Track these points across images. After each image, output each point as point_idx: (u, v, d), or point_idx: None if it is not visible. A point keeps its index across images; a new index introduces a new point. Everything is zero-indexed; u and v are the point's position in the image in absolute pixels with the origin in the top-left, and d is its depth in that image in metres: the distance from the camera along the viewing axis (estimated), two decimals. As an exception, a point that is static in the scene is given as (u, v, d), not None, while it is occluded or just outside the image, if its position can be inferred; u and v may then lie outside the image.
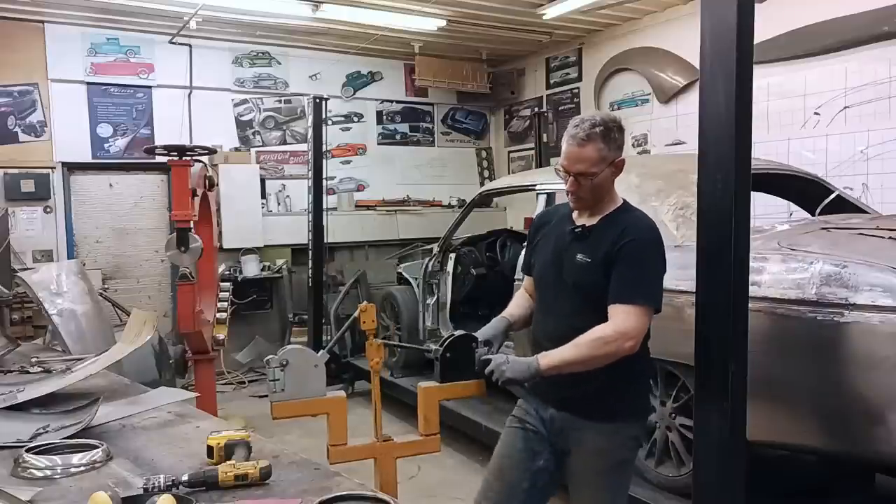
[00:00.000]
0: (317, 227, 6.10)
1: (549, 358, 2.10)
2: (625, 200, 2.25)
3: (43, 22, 6.46)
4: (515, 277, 4.12)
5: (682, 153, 6.08)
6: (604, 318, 2.08)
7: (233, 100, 7.49)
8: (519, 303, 2.50)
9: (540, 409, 2.29)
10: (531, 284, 2.45)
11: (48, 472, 1.65)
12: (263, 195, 7.48)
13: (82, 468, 1.67)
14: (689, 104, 6.27)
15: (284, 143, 7.77)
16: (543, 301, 2.34)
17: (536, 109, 8.08)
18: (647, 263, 2.09)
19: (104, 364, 2.48)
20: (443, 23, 6.71)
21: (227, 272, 6.58)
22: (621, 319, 2.04)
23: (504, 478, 2.35)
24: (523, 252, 4.01)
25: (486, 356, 2.21)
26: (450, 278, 5.32)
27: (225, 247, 6.81)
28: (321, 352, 2.73)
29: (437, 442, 2.80)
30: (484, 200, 5.54)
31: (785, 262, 2.62)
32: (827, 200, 3.67)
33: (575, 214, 2.27)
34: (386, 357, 4.10)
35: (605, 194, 2.19)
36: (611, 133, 2.11)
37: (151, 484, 1.46)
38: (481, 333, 2.36)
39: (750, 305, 2.09)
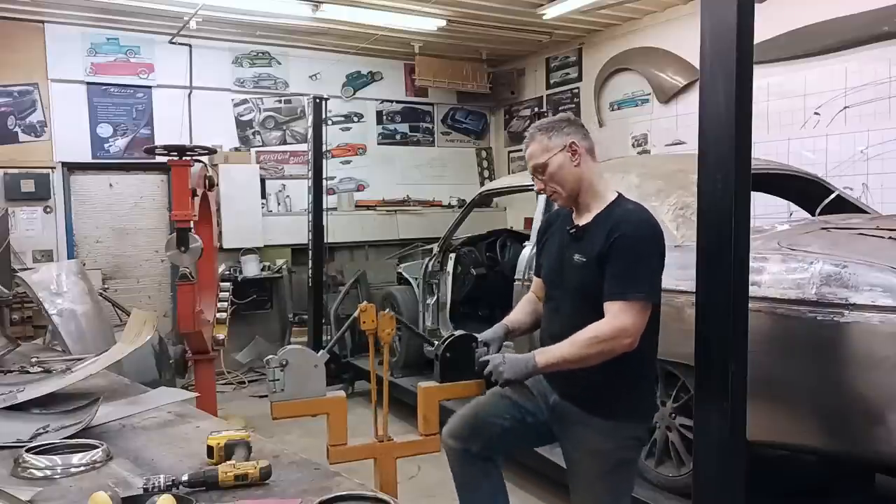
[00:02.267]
0: (317, 227, 6.09)
1: (546, 355, 2.12)
2: (619, 195, 2.25)
3: (43, 22, 6.46)
4: (515, 277, 4.12)
5: (682, 153, 6.08)
6: (603, 317, 2.09)
7: (233, 100, 7.49)
8: (522, 308, 2.51)
9: (545, 392, 2.30)
10: (539, 287, 2.45)
11: (48, 472, 1.65)
12: (263, 195, 7.48)
13: (82, 468, 1.67)
14: (689, 104, 6.27)
15: (284, 143, 7.77)
16: (549, 302, 2.35)
17: (536, 109, 8.09)
18: (639, 257, 2.09)
19: (104, 364, 2.48)
20: (443, 23, 6.70)
21: (227, 272, 6.58)
22: (616, 316, 2.04)
23: (482, 410, 2.37)
24: (524, 252, 4.05)
25: (484, 357, 2.22)
26: (450, 278, 5.31)
27: (225, 247, 6.81)
28: (321, 352, 2.73)
29: (437, 442, 2.80)
30: (484, 200, 5.54)
31: (785, 262, 2.62)
32: (827, 200, 3.66)
33: (574, 215, 2.28)
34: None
35: (577, 184, 2.21)
36: (552, 126, 2.22)
37: (151, 484, 1.46)
38: (481, 337, 2.37)
39: (750, 305, 2.09)
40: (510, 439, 2.37)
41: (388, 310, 2.88)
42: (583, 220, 2.23)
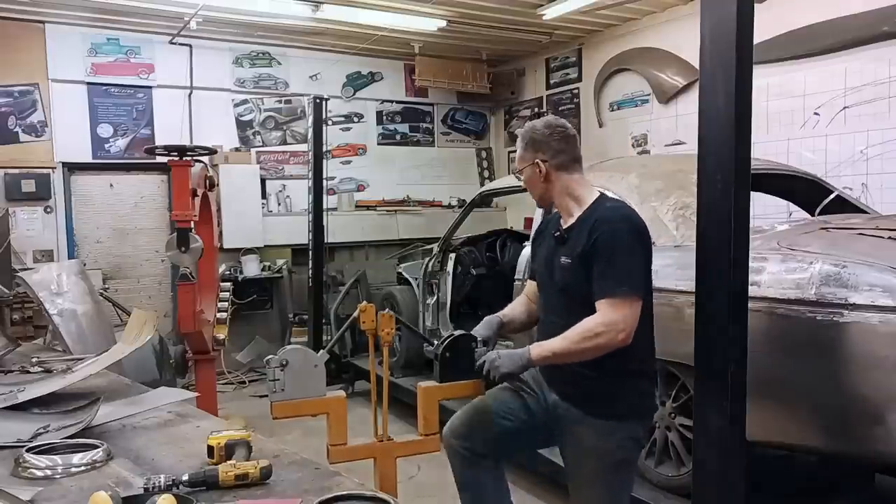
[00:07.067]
0: (317, 227, 6.10)
1: (541, 348, 2.17)
2: (601, 194, 2.28)
3: (43, 22, 6.46)
4: (515, 277, 4.12)
5: (682, 153, 6.08)
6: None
7: (233, 100, 7.49)
8: (515, 306, 2.56)
9: (544, 391, 2.32)
10: (533, 290, 2.49)
11: (48, 472, 1.65)
12: (263, 195, 7.48)
13: (82, 468, 1.67)
14: (689, 104, 6.27)
15: (284, 143, 7.77)
16: (543, 304, 2.40)
17: (536, 110, 8.09)
18: (620, 253, 2.10)
19: (104, 364, 2.48)
20: (443, 23, 6.70)
21: (228, 272, 6.59)
22: (605, 312, 2.06)
23: (485, 409, 2.39)
24: (524, 252, 4.06)
25: (481, 356, 2.25)
26: (450, 278, 5.31)
27: (225, 247, 6.81)
28: (321, 352, 2.73)
29: (437, 442, 2.81)
30: (484, 200, 5.54)
31: (785, 262, 2.62)
32: (827, 200, 3.67)
33: (561, 219, 2.33)
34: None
35: (545, 193, 2.32)
36: (527, 138, 2.35)
37: (152, 484, 1.46)
38: (475, 331, 2.40)
39: (750, 305, 2.09)
40: (512, 440, 2.39)
41: (387, 309, 2.89)
42: (567, 224, 2.28)
